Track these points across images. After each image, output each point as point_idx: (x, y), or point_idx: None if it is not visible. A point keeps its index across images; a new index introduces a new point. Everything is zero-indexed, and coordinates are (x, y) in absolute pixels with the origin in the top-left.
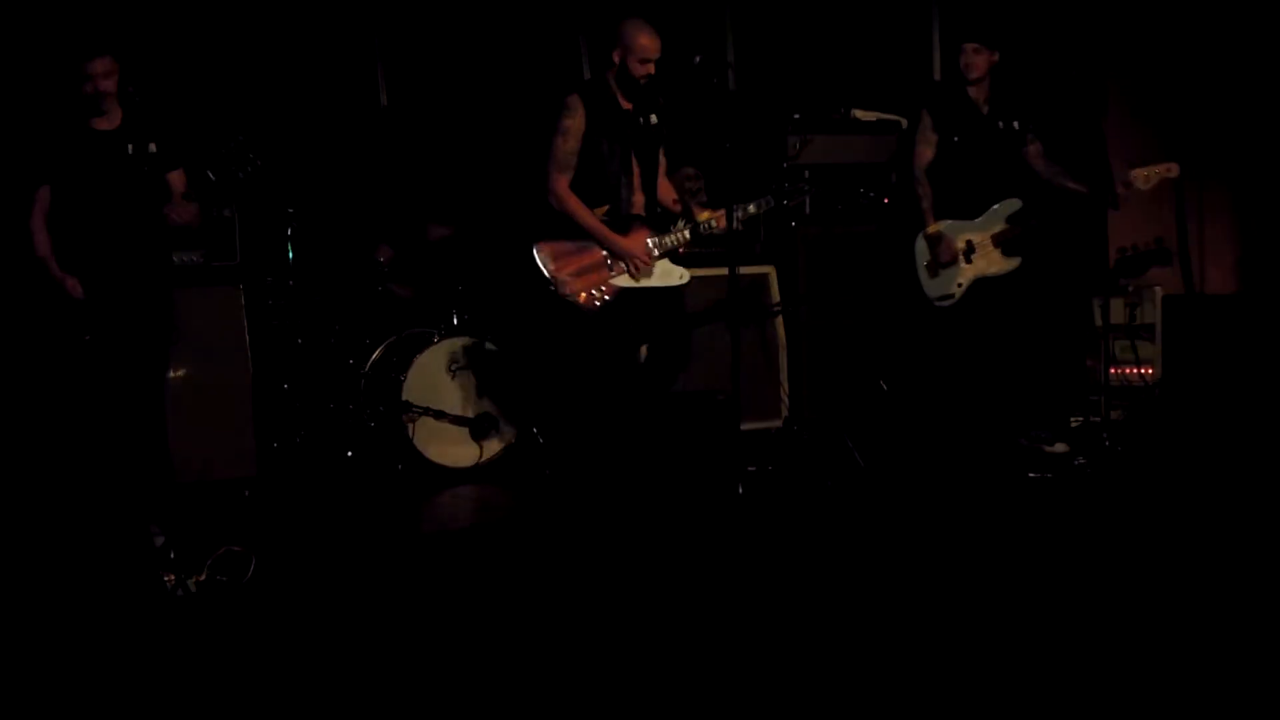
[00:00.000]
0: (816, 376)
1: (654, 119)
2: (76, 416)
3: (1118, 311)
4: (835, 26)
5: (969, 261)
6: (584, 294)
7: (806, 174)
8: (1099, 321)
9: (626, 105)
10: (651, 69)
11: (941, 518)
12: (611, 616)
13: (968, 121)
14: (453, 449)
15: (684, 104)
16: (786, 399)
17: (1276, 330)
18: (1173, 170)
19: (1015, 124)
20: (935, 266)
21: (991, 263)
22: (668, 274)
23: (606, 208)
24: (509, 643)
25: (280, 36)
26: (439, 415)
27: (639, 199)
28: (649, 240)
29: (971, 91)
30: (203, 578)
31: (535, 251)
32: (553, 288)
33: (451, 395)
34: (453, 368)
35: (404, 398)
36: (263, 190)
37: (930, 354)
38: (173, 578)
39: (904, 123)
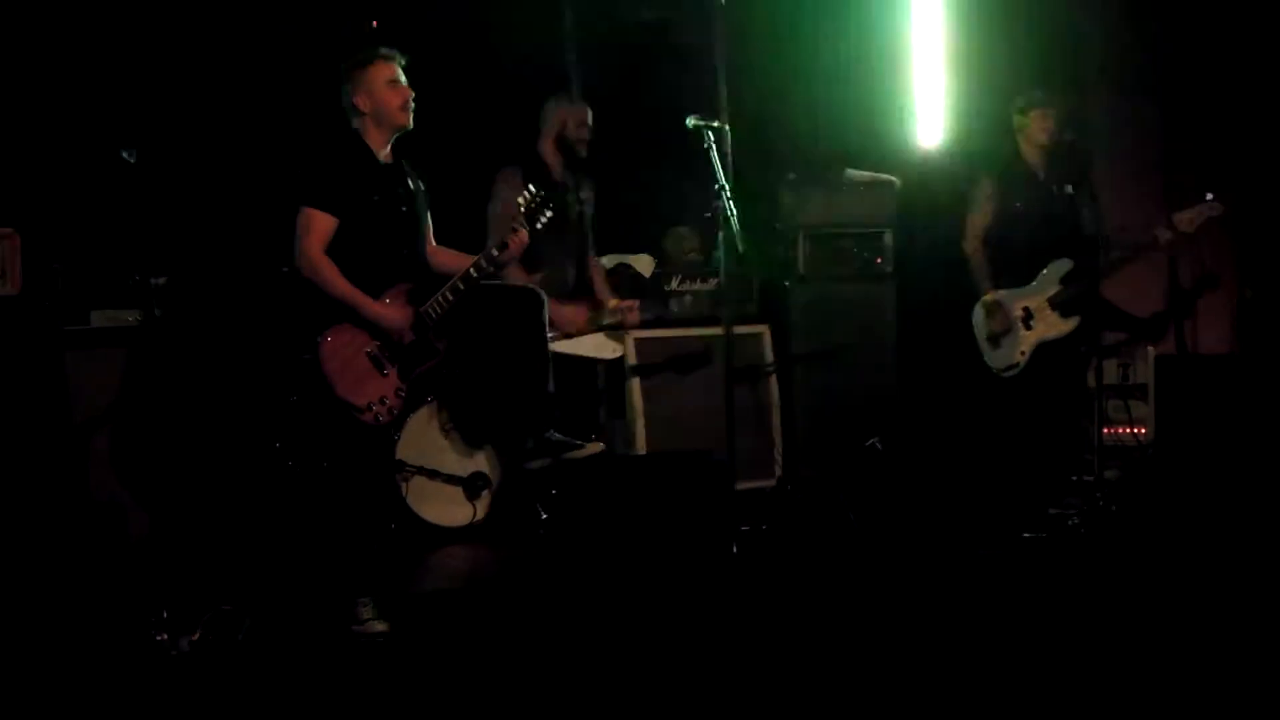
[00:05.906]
0: (810, 435)
1: (584, 194)
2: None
3: (1110, 371)
4: (828, 87)
5: (1029, 328)
6: None
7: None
8: (1092, 382)
9: (559, 179)
10: (586, 134)
11: (937, 578)
12: (605, 678)
13: (1027, 187)
14: (446, 508)
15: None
16: (780, 458)
17: (1270, 390)
18: (1216, 209)
19: (1069, 189)
20: (996, 336)
21: (1051, 326)
22: (600, 347)
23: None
24: (505, 702)
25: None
26: (432, 474)
27: (572, 273)
28: (588, 313)
29: (1028, 154)
30: (196, 637)
31: None
32: None
33: (444, 454)
34: (446, 426)
35: (397, 456)
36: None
37: (993, 421)
38: (166, 636)
39: (897, 183)
